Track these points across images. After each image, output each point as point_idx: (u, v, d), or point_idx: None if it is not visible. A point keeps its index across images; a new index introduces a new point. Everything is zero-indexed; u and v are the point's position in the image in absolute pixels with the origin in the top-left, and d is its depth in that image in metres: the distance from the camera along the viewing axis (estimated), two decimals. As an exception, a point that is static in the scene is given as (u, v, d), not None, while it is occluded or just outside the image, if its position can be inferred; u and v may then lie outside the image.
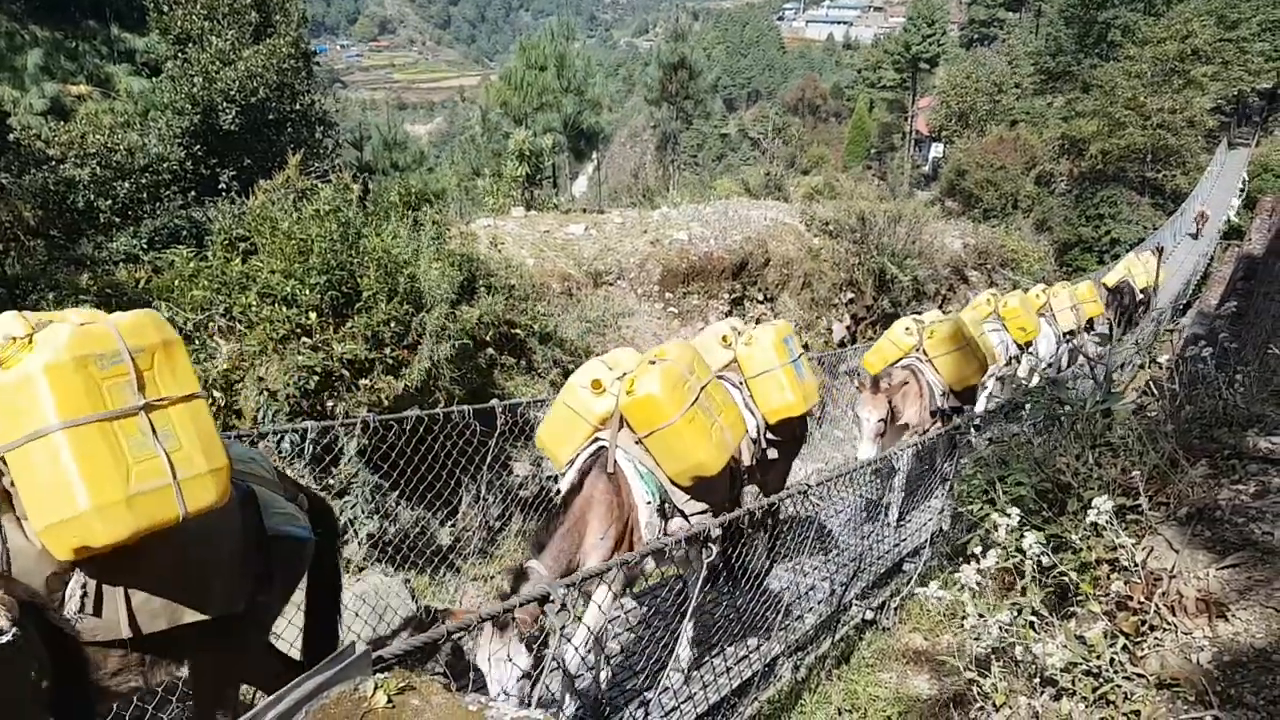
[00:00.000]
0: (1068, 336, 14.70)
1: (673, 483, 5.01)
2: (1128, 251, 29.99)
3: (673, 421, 4.74)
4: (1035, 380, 12.07)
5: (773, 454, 6.41)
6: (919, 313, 11.86)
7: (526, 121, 24.39)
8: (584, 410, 5.08)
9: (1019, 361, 12.03)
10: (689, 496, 5.08)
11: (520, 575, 4.25)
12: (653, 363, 4.92)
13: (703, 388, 5.06)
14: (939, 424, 8.30)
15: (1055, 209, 39.15)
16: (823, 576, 6.82)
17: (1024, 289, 19.03)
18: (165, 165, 10.40)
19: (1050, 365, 13.50)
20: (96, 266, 8.90)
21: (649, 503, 4.84)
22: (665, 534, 4.91)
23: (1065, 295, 15.11)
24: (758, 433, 6.15)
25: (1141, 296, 21.09)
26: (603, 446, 4.96)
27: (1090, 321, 16.55)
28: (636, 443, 4.93)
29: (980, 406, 9.72)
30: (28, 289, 8.46)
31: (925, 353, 8.67)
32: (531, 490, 9.62)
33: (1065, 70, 48.48)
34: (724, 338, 6.46)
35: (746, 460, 5.86)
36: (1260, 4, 41.68)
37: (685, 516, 5.07)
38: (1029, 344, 12.27)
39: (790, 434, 6.58)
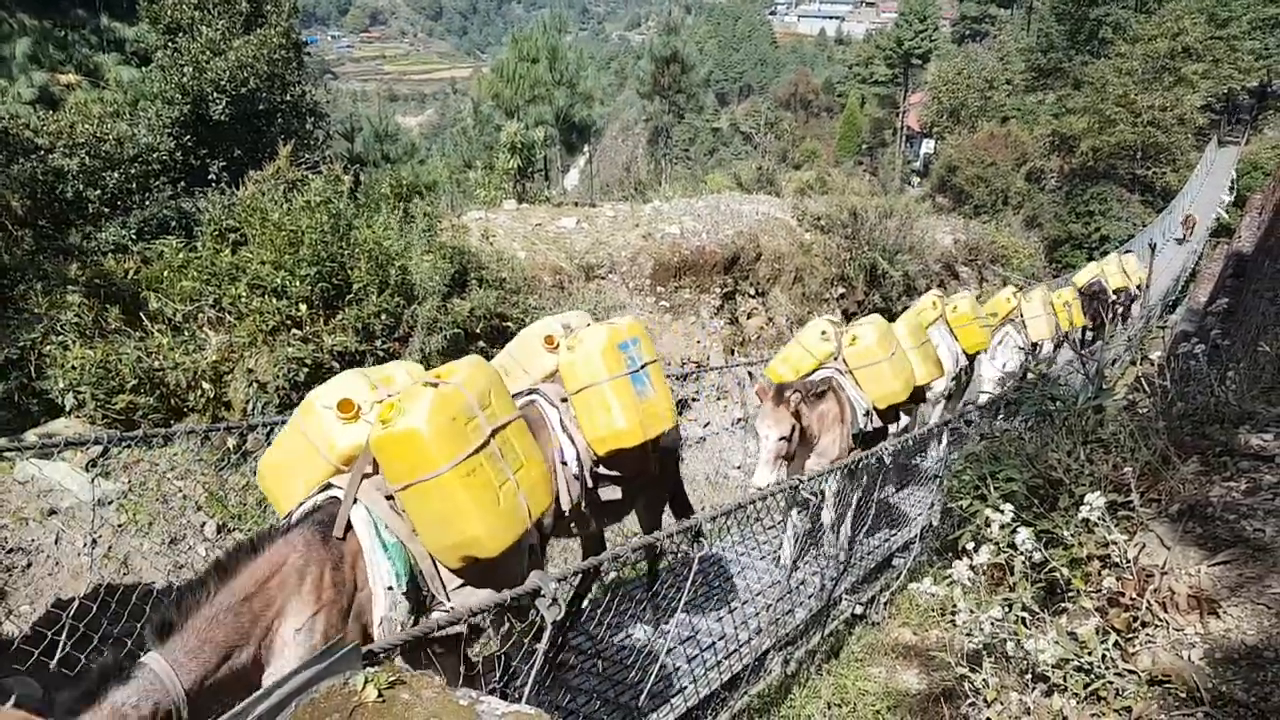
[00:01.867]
0: (1037, 347, 13.38)
1: (435, 560, 3.55)
2: (1118, 248, 30.12)
3: (439, 473, 3.31)
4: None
5: (610, 494, 5.00)
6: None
7: (518, 114, 24.29)
8: (323, 440, 3.60)
9: (968, 375, 10.99)
10: (461, 580, 3.59)
11: (111, 674, 2.53)
12: (431, 384, 3.49)
13: (497, 429, 3.60)
14: (858, 451, 6.81)
15: (1046, 205, 39.23)
16: (813, 571, 6.82)
17: (1017, 285, 19.10)
18: (155, 155, 10.33)
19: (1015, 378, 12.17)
20: (85, 257, 8.84)
21: (391, 588, 3.35)
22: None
23: (1039, 301, 13.57)
24: (580, 467, 4.76)
25: (1115, 299, 19.24)
26: (335, 498, 3.48)
27: (1067, 333, 15.20)
28: (388, 498, 3.46)
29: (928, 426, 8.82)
30: (16, 279, 8.40)
31: (846, 362, 7.19)
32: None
33: (1056, 67, 48.53)
34: (548, 338, 5.05)
35: (566, 503, 4.63)
36: (1251, 2, 41.81)
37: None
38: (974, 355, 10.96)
39: (638, 469, 5.08)
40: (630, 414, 4.71)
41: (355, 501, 3.40)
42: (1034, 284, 22.03)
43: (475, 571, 3.56)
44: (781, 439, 6.17)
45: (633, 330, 4.98)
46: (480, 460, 3.42)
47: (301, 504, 3.53)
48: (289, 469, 3.68)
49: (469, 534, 3.39)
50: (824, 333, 7.36)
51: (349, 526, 3.35)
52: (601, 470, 4.89)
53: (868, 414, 7.11)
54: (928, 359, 8.29)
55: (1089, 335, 17.42)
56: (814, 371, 7.26)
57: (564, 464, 4.67)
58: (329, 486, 3.53)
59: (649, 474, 5.27)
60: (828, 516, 6.93)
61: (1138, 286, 20.92)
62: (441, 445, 3.31)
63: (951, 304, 10.59)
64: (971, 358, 10.84)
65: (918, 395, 8.11)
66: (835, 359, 7.26)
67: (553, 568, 4.58)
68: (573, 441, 4.74)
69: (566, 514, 4.67)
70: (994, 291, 22.11)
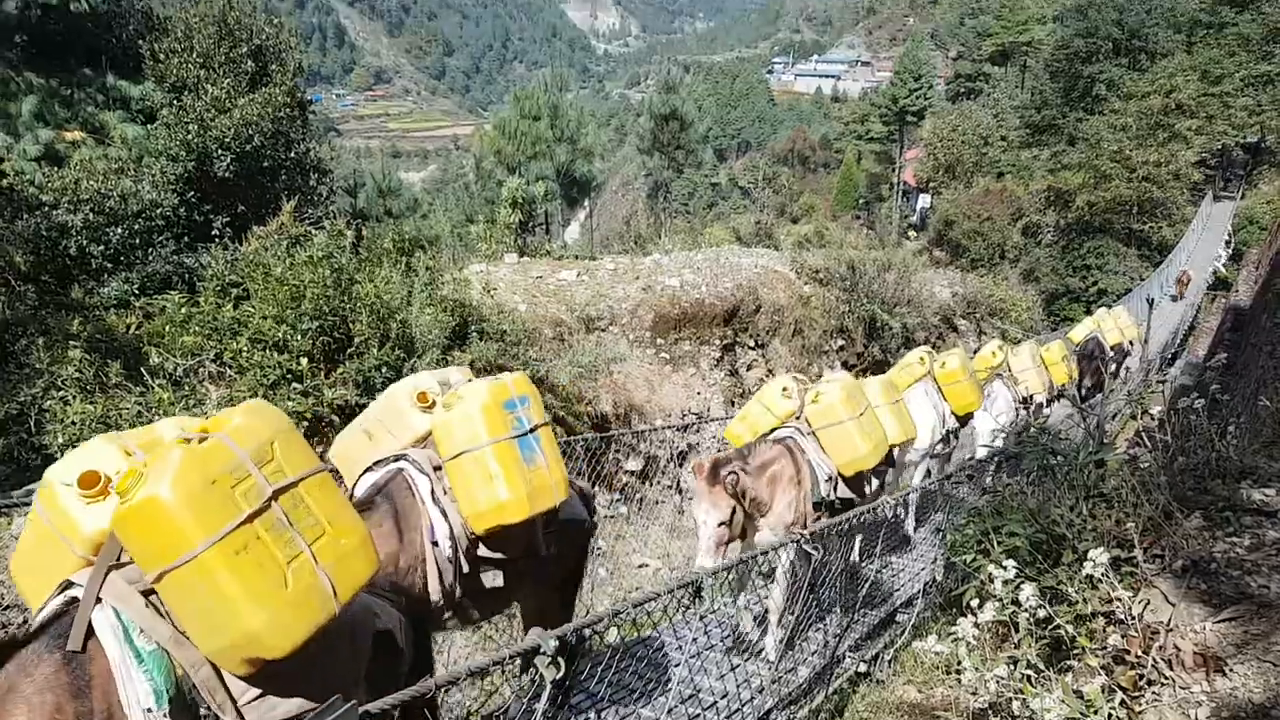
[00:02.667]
0: (1026, 404, 12.73)
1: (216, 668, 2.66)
2: (1115, 302, 30.23)
3: (196, 553, 2.44)
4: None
5: (493, 580, 4.25)
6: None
7: (520, 169, 24.60)
8: (65, 527, 2.71)
9: (956, 438, 10.23)
10: (258, 690, 2.70)
11: None
12: (187, 439, 2.61)
13: (282, 490, 2.69)
14: (824, 519, 6.14)
15: (1042, 259, 39.56)
16: (815, 628, 6.74)
17: (1012, 340, 19.08)
18: (159, 211, 10.43)
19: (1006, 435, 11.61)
20: (87, 312, 8.88)
21: (150, 710, 2.50)
22: None
23: (1027, 355, 13.12)
24: (454, 548, 4.02)
25: (1113, 354, 18.91)
26: (77, 599, 2.62)
27: (1061, 388, 14.78)
28: (145, 593, 2.59)
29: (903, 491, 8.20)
30: (17, 334, 8.43)
31: (808, 422, 6.52)
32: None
33: (1051, 123, 49.22)
34: (421, 395, 4.31)
35: (437, 591, 3.99)
36: (1243, 60, 42.50)
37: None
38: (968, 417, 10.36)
39: (524, 547, 4.29)
40: (516, 484, 3.97)
41: (99, 602, 2.57)
42: (1029, 337, 22.08)
43: (272, 677, 2.67)
44: (721, 524, 5.58)
45: (521, 387, 4.28)
46: (256, 531, 2.55)
47: (40, 610, 2.71)
48: (35, 566, 2.81)
49: (244, 629, 2.49)
50: (785, 390, 6.75)
51: (91, 635, 2.53)
52: (482, 551, 4.15)
53: (831, 480, 6.34)
54: (900, 419, 7.63)
55: (1086, 391, 16.98)
56: (774, 432, 6.63)
57: (434, 544, 3.97)
58: (69, 585, 2.67)
59: (540, 556, 4.43)
60: (777, 595, 6.21)
61: (1131, 342, 20.47)
62: (196, 516, 2.44)
63: (940, 361, 9.98)
64: (964, 419, 10.21)
65: (887, 458, 7.43)
66: (797, 418, 6.60)
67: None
68: (446, 517, 4.01)
69: (438, 603, 4.00)
70: (1011, 340, 22.25)
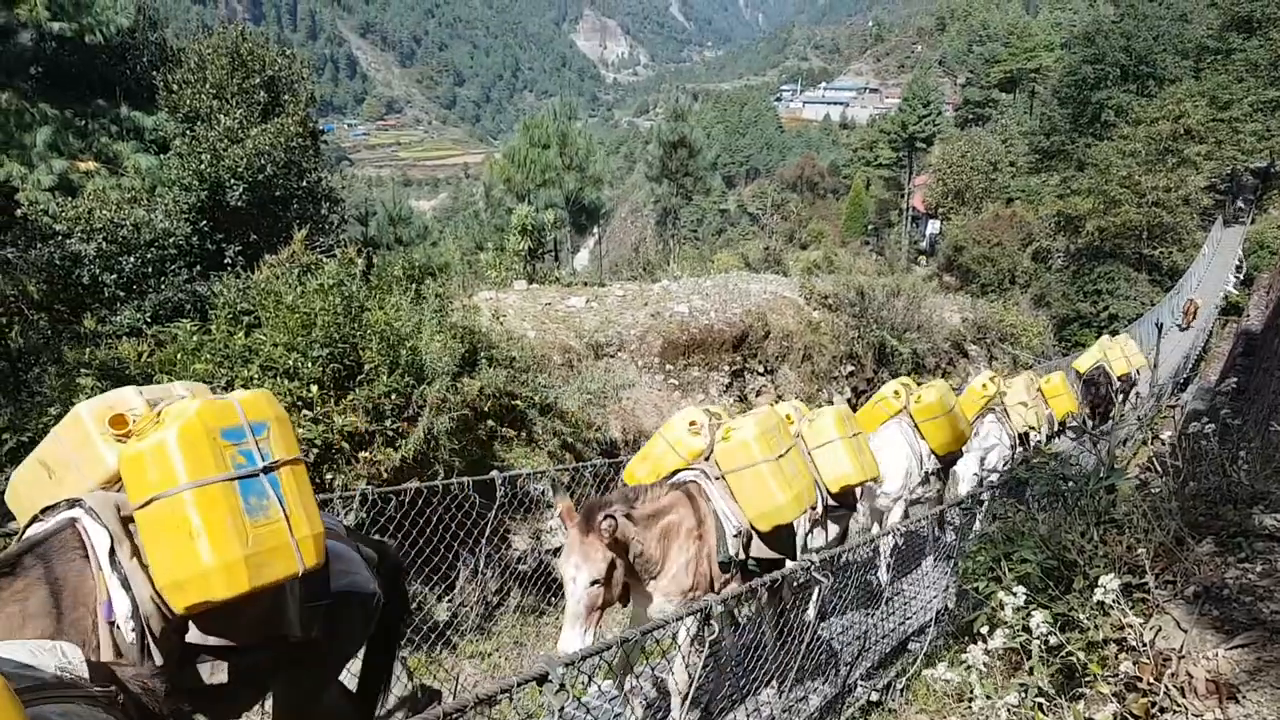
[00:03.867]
0: (1024, 440, 11.59)
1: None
2: (1126, 328, 30.13)
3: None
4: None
5: (214, 674, 3.01)
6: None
7: (529, 197, 24.74)
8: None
9: (937, 479, 9.19)
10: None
11: None
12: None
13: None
14: (735, 584, 5.13)
15: (1053, 284, 39.55)
16: (826, 655, 6.69)
17: (1024, 365, 18.94)
18: (171, 240, 10.50)
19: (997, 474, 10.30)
20: (100, 340, 8.94)
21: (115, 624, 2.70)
22: None
23: (1022, 387, 12.03)
24: (141, 632, 2.81)
25: (1120, 385, 18.05)
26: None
27: (1062, 422, 13.86)
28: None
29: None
30: (30, 363, 8.49)
31: (717, 464, 5.37)
32: (530, 565, 9.51)
33: (1060, 149, 49.36)
34: (116, 418, 3.04)
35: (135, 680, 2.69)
36: (1251, 85, 42.60)
37: None
38: (950, 456, 9.25)
39: (260, 630, 3.06)
40: (225, 545, 2.80)
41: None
42: (1040, 362, 21.96)
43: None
44: (595, 583, 4.42)
45: (256, 409, 3.08)
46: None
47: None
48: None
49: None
50: (694, 424, 5.65)
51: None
52: (194, 636, 2.94)
53: (741, 535, 5.17)
54: (857, 455, 6.70)
55: (1091, 424, 16.30)
56: (677, 473, 5.54)
57: (112, 625, 2.77)
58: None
59: (292, 642, 3.17)
60: (679, 673, 5.19)
61: (1138, 371, 19.59)
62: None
63: (917, 395, 8.96)
64: (947, 458, 9.15)
65: (849, 501, 6.93)
66: (706, 458, 5.47)
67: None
68: (128, 589, 2.80)
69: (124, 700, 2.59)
70: (1004, 371, 22.15)
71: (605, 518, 4.41)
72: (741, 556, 5.18)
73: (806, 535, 6.39)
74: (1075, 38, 55.85)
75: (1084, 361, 18.20)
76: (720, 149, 70.02)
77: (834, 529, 6.85)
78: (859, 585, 7.68)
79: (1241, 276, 35.25)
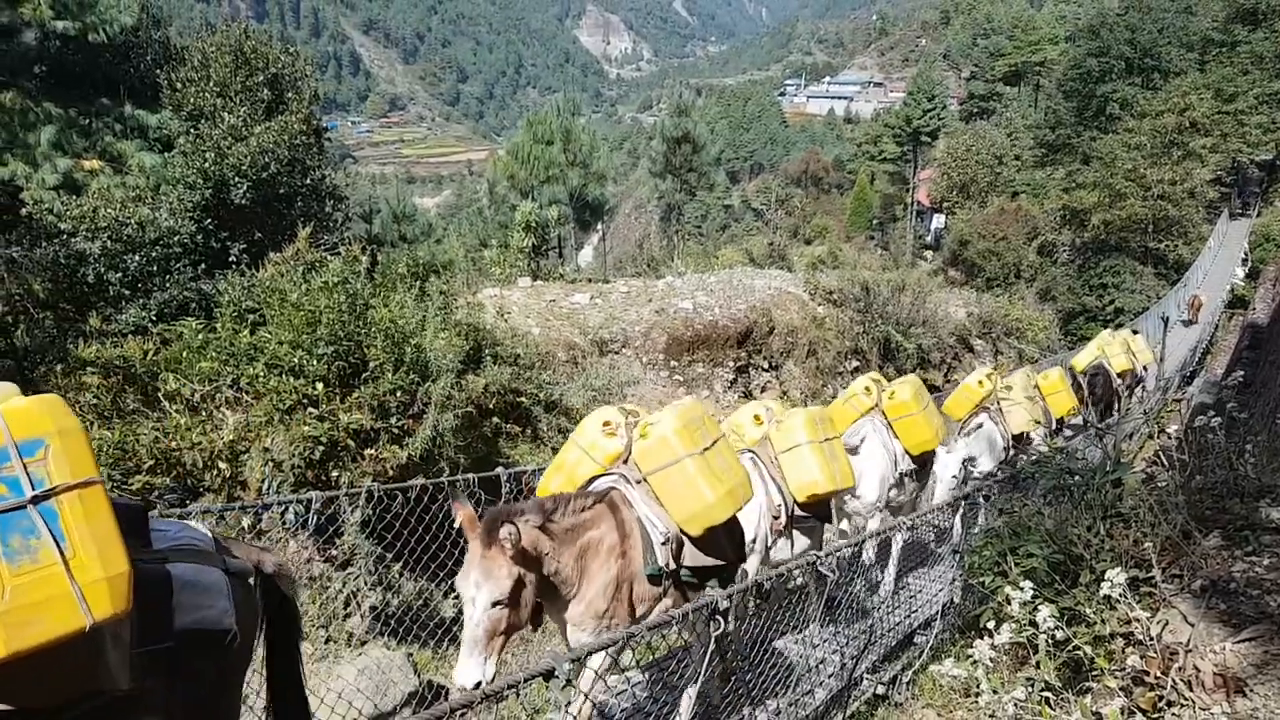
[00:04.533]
0: (1017, 441, 10.63)
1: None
2: (1132, 321, 30.03)
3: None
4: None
5: None
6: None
7: (533, 194, 24.72)
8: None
9: (913, 480, 8.60)
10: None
11: None
12: None
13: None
14: (671, 602, 4.66)
15: (1059, 278, 39.45)
16: (832, 649, 6.68)
17: (1030, 359, 18.76)
18: (176, 239, 10.51)
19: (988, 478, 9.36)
20: (105, 338, 8.95)
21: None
22: None
23: (1020, 385, 11.02)
24: None
25: (1121, 383, 16.77)
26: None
27: (1060, 421, 13.07)
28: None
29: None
30: (36, 361, 8.51)
31: (637, 465, 4.80)
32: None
33: (1065, 143, 49.22)
34: None
35: None
36: (1257, 78, 42.44)
37: None
38: (925, 457, 8.57)
39: (57, 687, 2.35)
40: None
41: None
42: (1046, 356, 21.87)
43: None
44: (498, 604, 3.78)
45: (28, 423, 2.31)
46: None
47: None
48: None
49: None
50: (607, 424, 5.04)
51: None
52: None
53: (670, 543, 4.61)
54: (829, 462, 6.23)
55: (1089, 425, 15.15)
56: (595, 480, 4.92)
57: None
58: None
59: (119, 696, 2.52)
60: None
61: (1145, 367, 18.33)
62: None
63: (890, 390, 8.44)
64: (921, 458, 8.53)
65: (820, 511, 6.50)
66: (625, 461, 4.91)
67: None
68: None
69: None
70: (1010, 365, 22.11)
71: (509, 525, 3.77)
72: (672, 566, 4.60)
73: (769, 547, 6.04)
74: (1080, 30, 55.68)
75: (1082, 359, 16.97)
76: (724, 144, 69.97)
77: (803, 541, 6.38)
78: (866, 581, 7.67)
79: (1247, 269, 35.13)
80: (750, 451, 6.34)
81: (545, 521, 4.16)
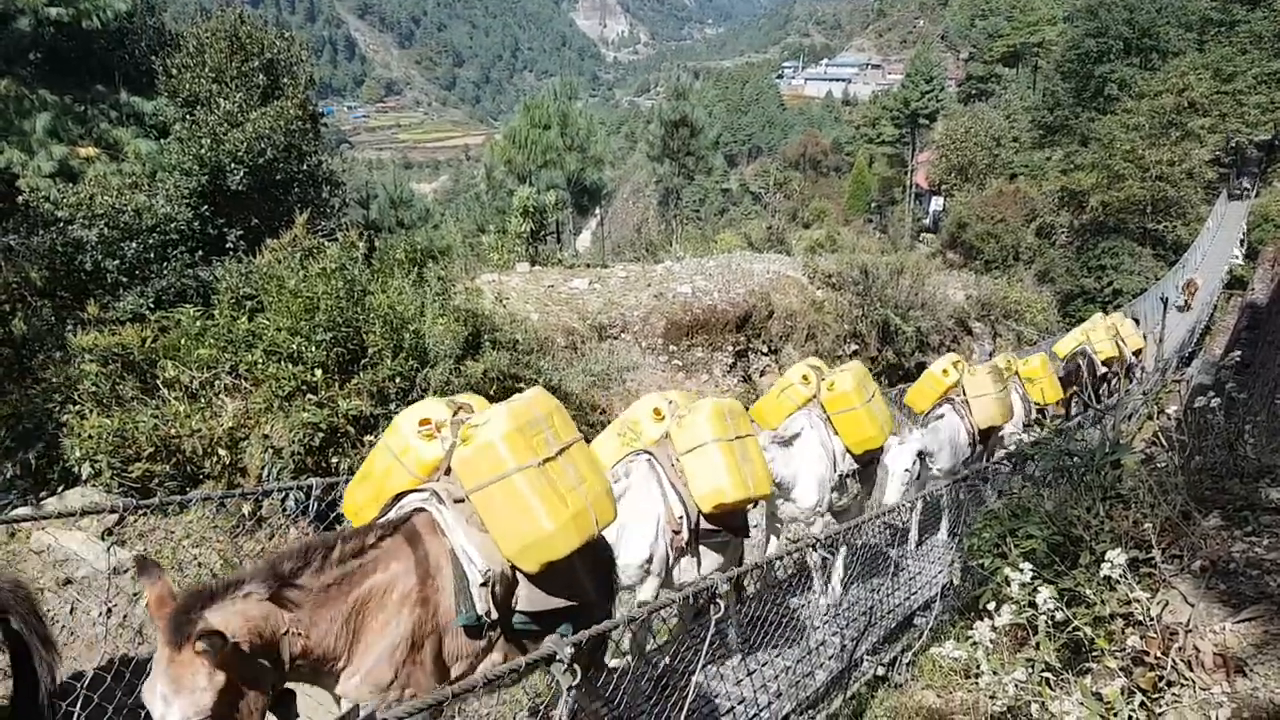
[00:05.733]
0: (985, 437, 9.81)
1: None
2: (1131, 303, 30.00)
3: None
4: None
5: None
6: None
7: (530, 179, 24.67)
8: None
9: (856, 481, 7.64)
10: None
11: None
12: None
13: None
14: (502, 657, 3.68)
15: (1057, 260, 39.44)
16: (833, 631, 6.71)
17: (1028, 341, 18.70)
18: (173, 225, 10.48)
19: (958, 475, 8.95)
20: (103, 326, 8.94)
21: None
22: None
23: (987, 376, 9.80)
24: None
25: (1108, 371, 15.78)
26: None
27: (1042, 411, 12.18)
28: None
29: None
30: (34, 349, 8.50)
31: (460, 479, 3.71)
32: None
33: (1063, 124, 49.08)
34: None
35: None
36: (1255, 57, 42.28)
37: None
38: (869, 454, 7.59)
39: None
40: None
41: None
42: (1044, 339, 21.85)
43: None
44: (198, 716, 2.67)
45: None
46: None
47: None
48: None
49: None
50: (425, 423, 3.97)
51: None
52: None
53: (491, 583, 3.53)
54: (740, 465, 5.34)
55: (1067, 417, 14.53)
56: (403, 499, 3.85)
57: None
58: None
59: None
60: None
61: (1136, 353, 17.39)
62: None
63: (829, 380, 7.48)
64: (865, 457, 7.58)
65: (733, 524, 5.55)
66: (447, 472, 3.82)
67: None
68: None
69: None
70: (1007, 348, 22.12)
71: (206, 636, 2.61)
72: (494, 616, 3.56)
73: (671, 567, 5.27)
74: (1078, 11, 55.35)
75: (1064, 345, 16.08)
76: (722, 128, 69.72)
77: (712, 559, 5.49)
78: (866, 560, 7.69)
79: (1245, 250, 35.11)
80: (647, 453, 5.42)
81: (282, 587, 3.04)
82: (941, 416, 9.22)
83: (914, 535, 8.90)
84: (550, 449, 3.77)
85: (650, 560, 5.10)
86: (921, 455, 8.07)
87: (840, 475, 7.36)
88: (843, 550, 7.41)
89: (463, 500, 3.66)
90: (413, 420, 3.99)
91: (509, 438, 3.62)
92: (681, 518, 5.23)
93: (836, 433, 7.36)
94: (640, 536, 5.07)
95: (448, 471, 3.80)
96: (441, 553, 3.53)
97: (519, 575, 3.68)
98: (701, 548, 5.41)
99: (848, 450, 7.39)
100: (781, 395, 7.62)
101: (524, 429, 3.71)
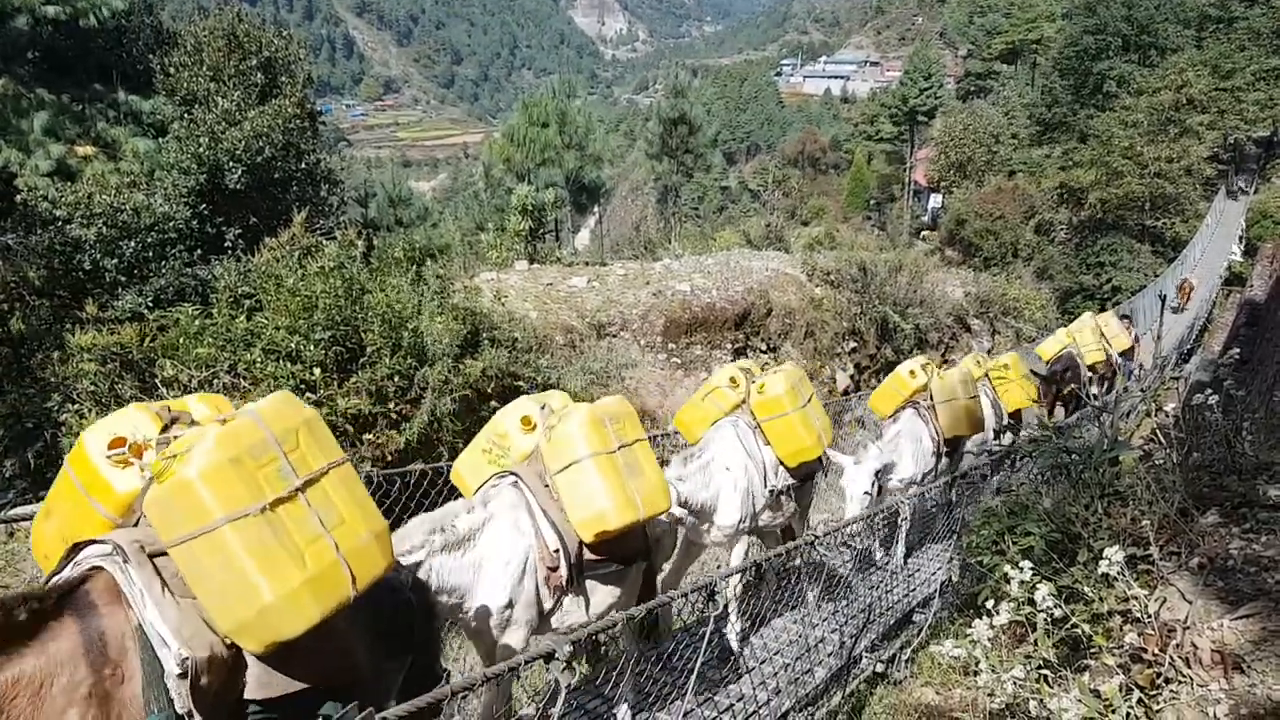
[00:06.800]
0: (953, 444, 8.92)
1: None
2: (1129, 300, 29.97)
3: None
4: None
5: None
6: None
7: (529, 177, 24.65)
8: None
9: (791, 499, 6.78)
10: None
11: None
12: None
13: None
14: None
15: (1056, 257, 39.43)
16: (832, 628, 6.71)
17: (1028, 339, 18.55)
18: (171, 224, 10.48)
19: (918, 488, 8.23)
20: (101, 325, 8.94)
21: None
22: None
23: (956, 381, 8.96)
24: None
25: (1095, 375, 14.88)
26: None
27: (1017, 413, 11.45)
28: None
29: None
30: (33, 348, 8.50)
31: (158, 530, 2.65)
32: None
33: (1061, 121, 49.03)
34: None
35: None
36: (1254, 54, 42.27)
37: None
38: (806, 467, 6.75)
39: None
40: None
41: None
42: (1044, 336, 21.81)
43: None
44: None
45: None
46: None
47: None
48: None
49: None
50: (117, 442, 2.84)
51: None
52: None
53: (194, 674, 2.54)
54: (633, 476, 4.52)
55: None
56: (71, 557, 2.79)
57: None
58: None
59: None
60: None
61: (1122, 354, 16.43)
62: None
63: (759, 383, 6.65)
64: (806, 470, 6.83)
65: (624, 551, 4.67)
66: (137, 518, 2.84)
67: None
68: None
69: None
70: (1005, 346, 22.13)
71: None
72: (198, 717, 2.55)
73: (549, 611, 4.50)
74: (1076, 7, 55.26)
75: (1049, 347, 15.04)
76: (720, 125, 69.74)
77: (605, 596, 4.66)
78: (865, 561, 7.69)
79: (1244, 247, 35.10)
80: (513, 474, 4.59)
81: None
82: (900, 424, 8.56)
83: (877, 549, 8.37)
84: (285, 484, 2.76)
85: (510, 606, 4.28)
86: (881, 472, 7.35)
87: (773, 491, 6.51)
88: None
89: (161, 555, 2.67)
90: (101, 440, 2.84)
91: (213, 474, 2.60)
92: (557, 551, 4.38)
93: (768, 442, 6.55)
94: (499, 579, 4.27)
95: (137, 522, 2.82)
96: (123, 632, 2.53)
97: (250, 656, 2.74)
98: (590, 583, 4.57)
99: (781, 463, 6.55)
100: (706, 400, 6.83)
101: (241, 459, 2.66)
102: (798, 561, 6.43)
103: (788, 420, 6.42)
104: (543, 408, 4.74)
